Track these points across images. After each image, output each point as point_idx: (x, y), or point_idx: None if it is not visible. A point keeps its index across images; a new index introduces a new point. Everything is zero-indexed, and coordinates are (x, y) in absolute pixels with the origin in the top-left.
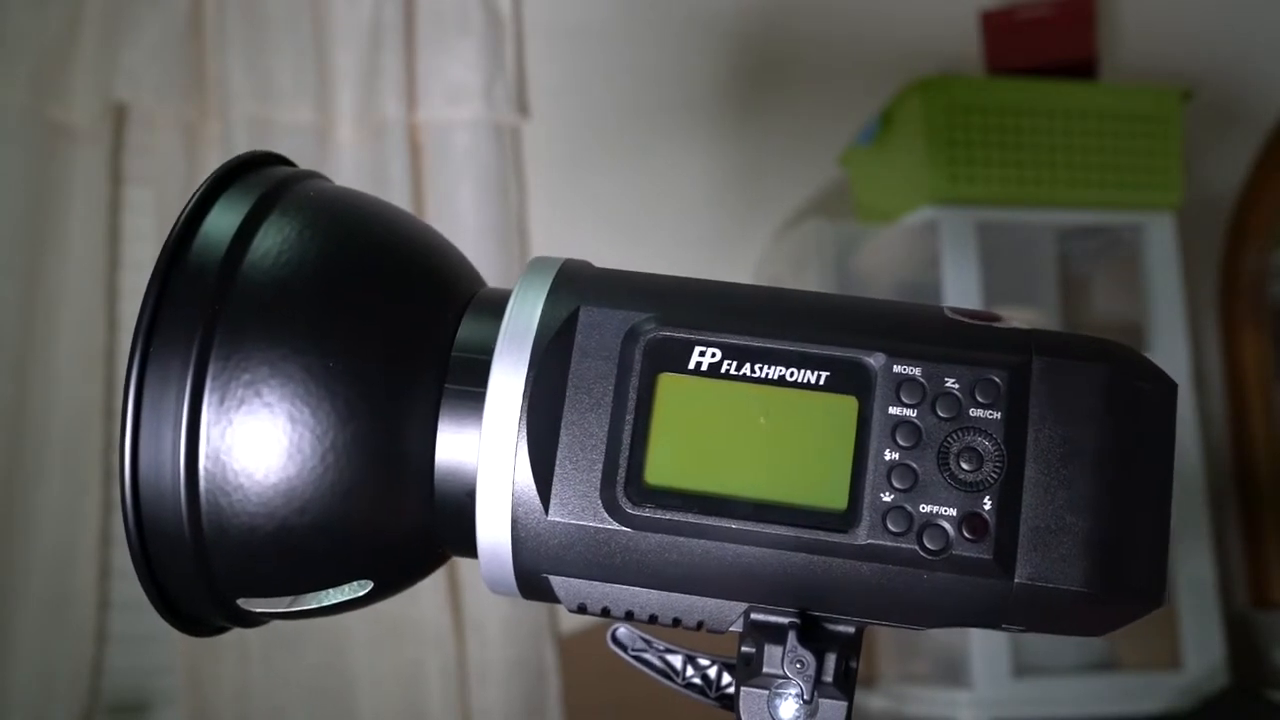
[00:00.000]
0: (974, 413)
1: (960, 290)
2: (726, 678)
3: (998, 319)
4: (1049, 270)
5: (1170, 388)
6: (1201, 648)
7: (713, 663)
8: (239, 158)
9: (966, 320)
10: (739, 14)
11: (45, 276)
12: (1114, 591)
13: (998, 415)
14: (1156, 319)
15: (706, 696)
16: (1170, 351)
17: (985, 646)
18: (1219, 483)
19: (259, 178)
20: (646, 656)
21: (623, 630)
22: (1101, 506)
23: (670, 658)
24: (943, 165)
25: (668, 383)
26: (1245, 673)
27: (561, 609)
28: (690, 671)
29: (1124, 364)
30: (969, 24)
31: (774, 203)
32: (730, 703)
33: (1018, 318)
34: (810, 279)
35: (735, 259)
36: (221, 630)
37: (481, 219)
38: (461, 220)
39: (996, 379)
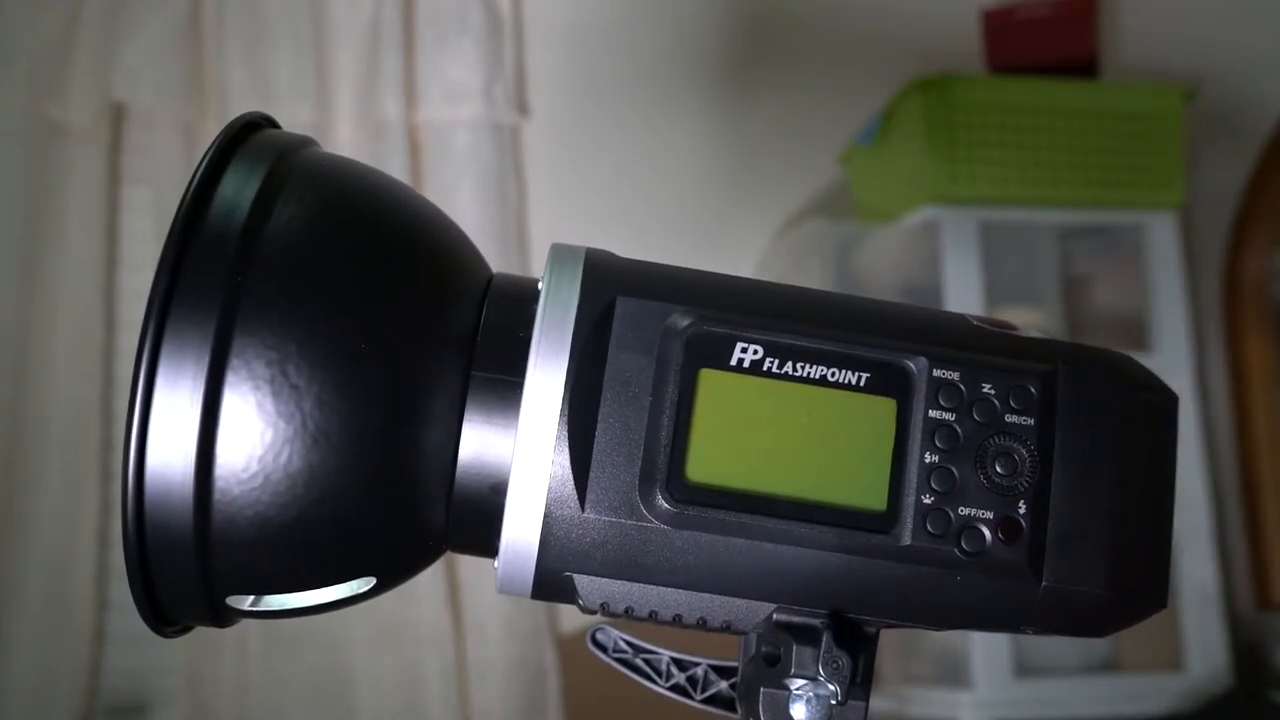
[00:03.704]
0: (1009, 419)
1: (961, 290)
2: (714, 678)
3: (1014, 327)
4: (1050, 270)
5: (1172, 399)
6: (1204, 649)
7: (701, 664)
8: (243, 117)
9: (989, 328)
10: (738, 14)
11: (43, 276)
12: (1128, 594)
13: (1031, 421)
14: (1159, 319)
15: (690, 698)
16: (1173, 352)
17: (986, 647)
18: (1222, 483)
19: (262, 143)
20: (628, 658)
21: (602, 632)
22: (1119, 512)
23: (653, 660)
24: (943, 164)
25: (709, 379)
26: (1248, 674)
27: (563, 608)
28: (675, 673)
29: (1135, 375)
30: (970, 23)
31: (774, 202)
32: (719, 704)
33: (1031, 325)
34: (810, 279)
35: (735, 258)
36: (186, 630)
37: (481, 218)
38: (461, 219)
39: (1031, 386)
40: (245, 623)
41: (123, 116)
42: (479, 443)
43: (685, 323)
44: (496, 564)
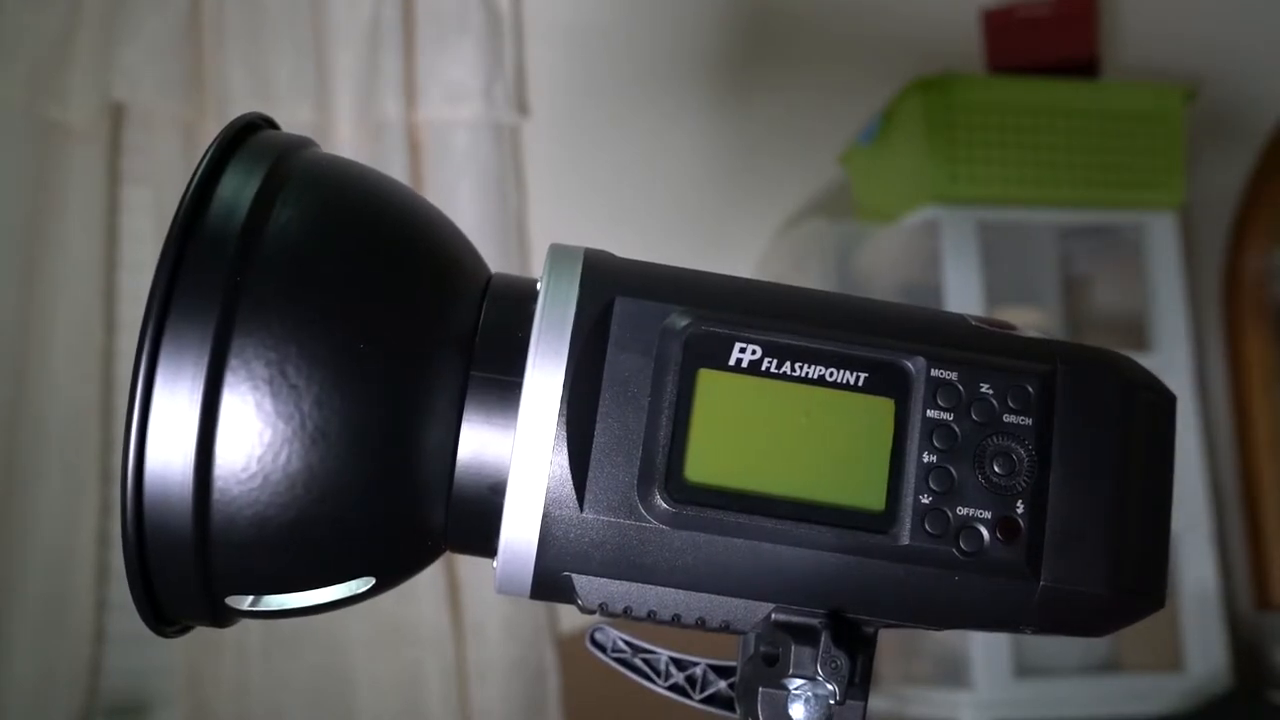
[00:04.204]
0: (1007, 418)
1: (961, 290)
2: (713, 677)
3: (1013, 327)
4: (1050, 270)
5: (1171, 399)
6: (1204, 649)
7: (699, 664)
8: (242, 118)
9: (988, 328)
10: (738, 14)
11: (43, 277)
12: (1127, 594)
13: (1029, 421)
14: (1158, 319)
15: (689, 698)
16: (1172, 352)
17: (986, 647)
18: (1222, 484)
19: (261, 143)
20: (626, 658)
21: (601, 632)
22: (1117, 512)
23: (652, 659)
24: (943, 164)
25: (707, 379)
26: (1248, 675)
27: (563, 608)
28: (674, 673)
29: (1134, 375)
30: (970, 23)
31: (774, 202)
32: (718, 704)
33: (1031, 325)
34: (810, 279)
35: (735, 258)
36: (186, 630)
37: (481, 218)
38: (461, 219)
39: (1029, 386)
40: (245, 623)
41: (122, 116)
42: (478, 443)
43: (684, 323)
44: (495, 564)
